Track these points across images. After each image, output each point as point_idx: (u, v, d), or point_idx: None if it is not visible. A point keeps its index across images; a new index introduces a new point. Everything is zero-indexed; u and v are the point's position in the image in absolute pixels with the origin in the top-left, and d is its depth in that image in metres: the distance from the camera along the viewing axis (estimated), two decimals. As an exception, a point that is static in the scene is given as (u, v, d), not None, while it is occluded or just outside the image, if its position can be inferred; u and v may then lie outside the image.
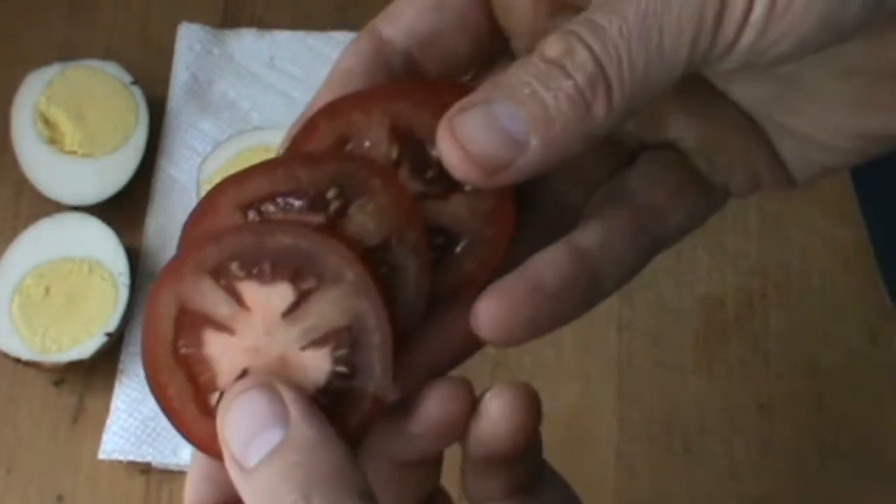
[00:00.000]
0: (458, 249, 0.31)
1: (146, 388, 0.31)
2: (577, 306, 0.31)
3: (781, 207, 0.62)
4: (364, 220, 0.30)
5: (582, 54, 0.27)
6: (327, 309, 0.29)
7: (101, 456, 0.56)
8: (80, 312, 0.58)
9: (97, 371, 0.58)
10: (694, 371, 0.59)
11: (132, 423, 0.57)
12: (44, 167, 0.61)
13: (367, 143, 0.31)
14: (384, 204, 0.30)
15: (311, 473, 0.27)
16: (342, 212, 0.30)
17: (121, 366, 0.58)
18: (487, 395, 0.30)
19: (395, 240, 0.30)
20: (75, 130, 0.61)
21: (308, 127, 0.31)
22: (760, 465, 0.57)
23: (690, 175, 0.32)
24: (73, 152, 0.61)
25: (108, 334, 0.57)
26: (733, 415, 0.58)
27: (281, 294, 0.29)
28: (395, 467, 0.32)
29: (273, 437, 0.28)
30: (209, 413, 0.30)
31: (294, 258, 0.29)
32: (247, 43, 0.65)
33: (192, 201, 0.57)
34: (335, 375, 0.29)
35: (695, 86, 0.31)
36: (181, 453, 0.56)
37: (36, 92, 0.62)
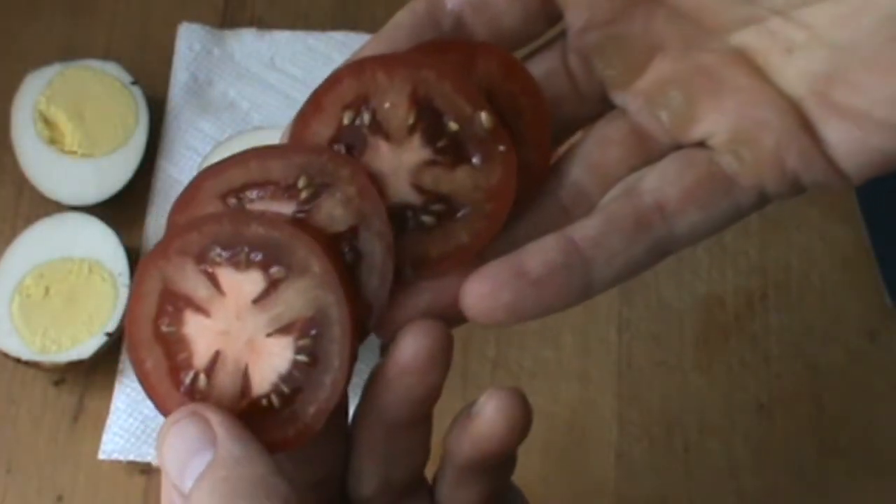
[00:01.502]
0: (456, 219, 0.32)
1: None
2: (564, 296, 0.31)
3: (781, 207, 0.62)
4: (332, 207, 0.31)
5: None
6: (294, 298, 0.30)
7: (101, 456, 0.56)
8: (80, 312, 0.58)
9: (97, 371, 0.58)
10: (694, 371, 0.59)
11: (132, 423, 0.57)
12: (44, 167, 0.61)
13: (386, 105, 0.32)
14: (351, 193, 0.31)
15: (237, 486, 0.28)
16: (312, 200, 0.31)
17: (121, 366, 0.58)
18: (482, 398, 0.31)
19: (362, 227, 0.31)
20: (75, 130, 0.61)
21: (333, 80, 0.32)
22: (760, 464, 0.57)
23: (714, 175, 0.32)
24: (73, 152, 0.61)
25: (108, 334, 0.57)
26: (733, 415, 0.58)
27: (253, 281, 0.30)
28: (386, 433, 0.32)
29: (204, 459, 0.29)
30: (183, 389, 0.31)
31: (267, 247, 0.30)
32: (247, 43, 0.65)
33: (192, 201, 0.57)
34: (297, 364, 0.30)
35: (732, 79, 0.31)
36: (181, 453, 0.56)
37: (36, 92, 0.62)
